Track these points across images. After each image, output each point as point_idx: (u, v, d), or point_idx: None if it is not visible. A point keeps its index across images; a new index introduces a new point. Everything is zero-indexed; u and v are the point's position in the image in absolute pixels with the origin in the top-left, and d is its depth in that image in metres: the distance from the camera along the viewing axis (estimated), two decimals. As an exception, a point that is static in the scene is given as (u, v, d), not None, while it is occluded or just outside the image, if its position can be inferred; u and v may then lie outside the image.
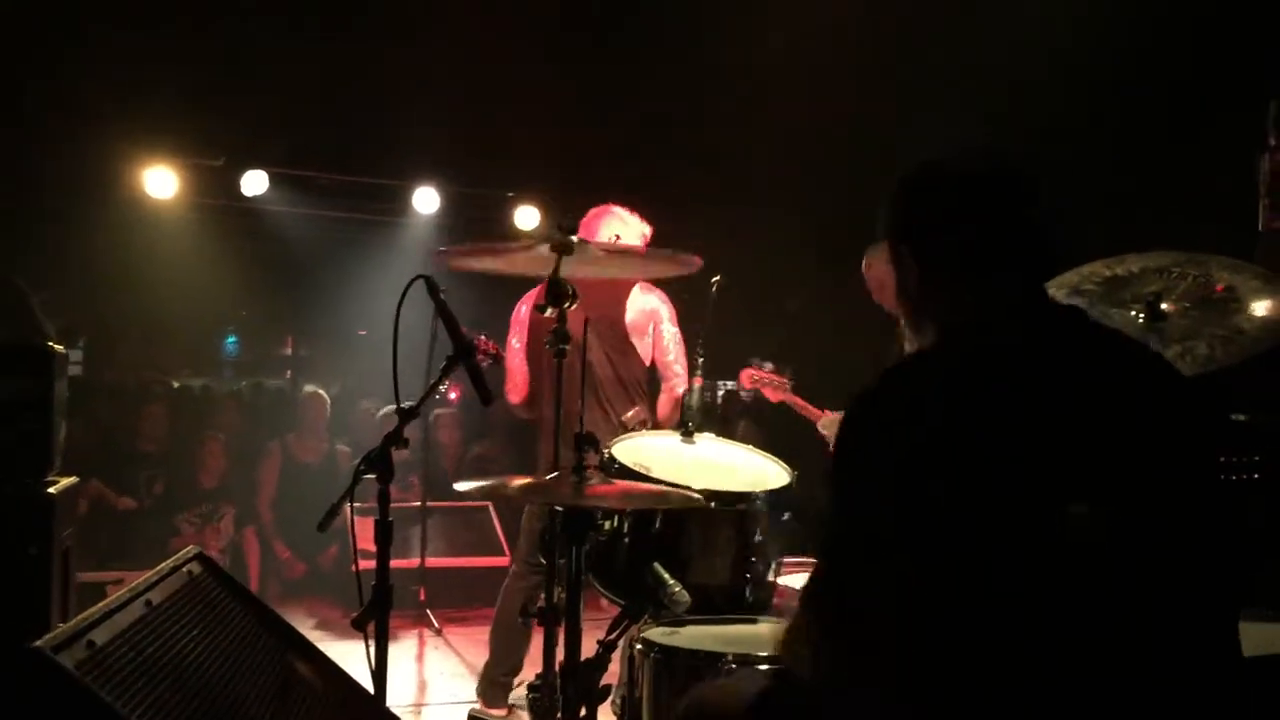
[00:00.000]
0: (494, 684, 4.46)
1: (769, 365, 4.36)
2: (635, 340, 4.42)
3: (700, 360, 4.04)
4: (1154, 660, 1.59)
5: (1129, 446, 1.64)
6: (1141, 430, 1.66)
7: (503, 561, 6.18)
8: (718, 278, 5.23)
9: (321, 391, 7.57)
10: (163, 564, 2.30)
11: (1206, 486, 1.70)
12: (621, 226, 4.48)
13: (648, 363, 4.49)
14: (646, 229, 4.56)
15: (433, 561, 6.44)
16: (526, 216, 8.58)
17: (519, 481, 2.88)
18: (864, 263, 4.09)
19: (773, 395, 4.63)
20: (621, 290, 4.43)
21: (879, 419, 1.69)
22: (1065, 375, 1.68)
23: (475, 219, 8.61)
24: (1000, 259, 1.76)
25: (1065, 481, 1.60)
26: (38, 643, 1.70)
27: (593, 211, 4.56)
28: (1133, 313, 2.84)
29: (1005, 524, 1.58)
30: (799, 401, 4.57)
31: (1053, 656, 1.57)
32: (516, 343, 4.55)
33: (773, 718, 1.88)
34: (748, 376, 4.68)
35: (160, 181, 7.63)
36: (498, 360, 5.24)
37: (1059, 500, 1.58)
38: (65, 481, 3.53)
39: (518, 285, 5.32)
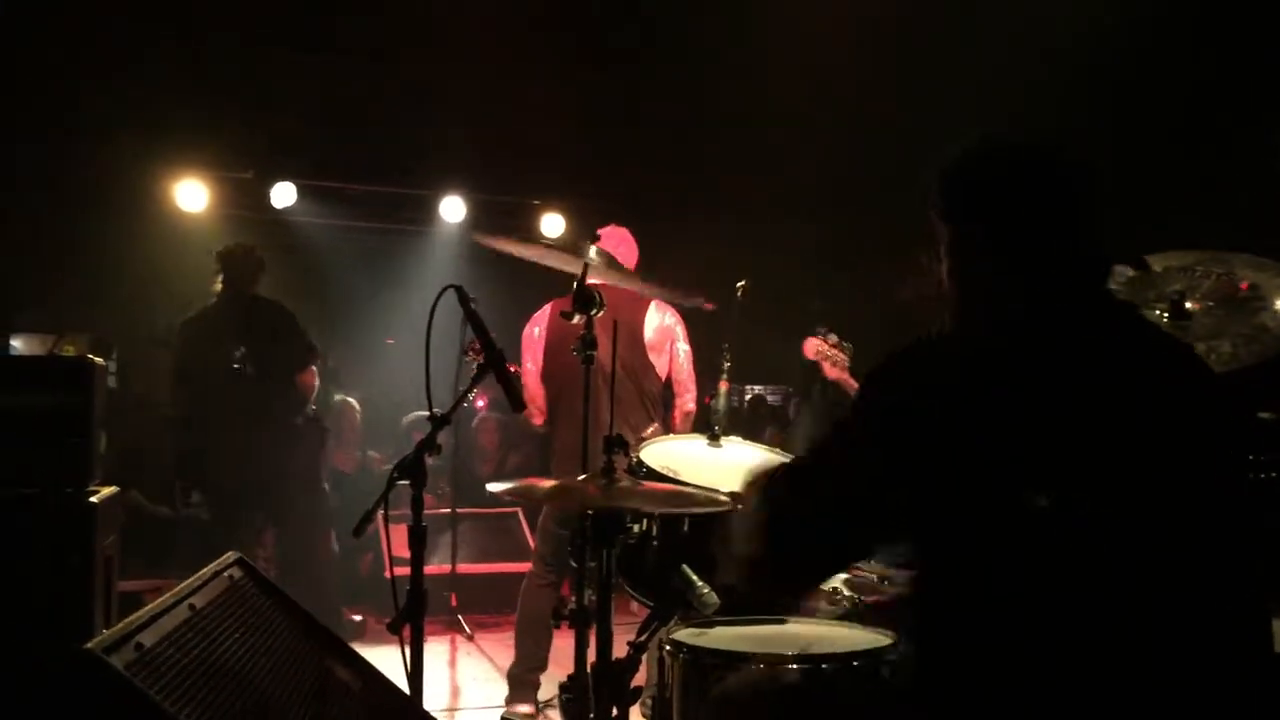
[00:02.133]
0: (521, 682, 4.57)
1: (834, 337, 4.23)
2: (653, 357, 4.51)
3: (726, 365, 4.08)
4: (1135, 656, 1.59)
5: (1130, 442, 1.64)
6: (1148, 428, 1.65)
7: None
8: (742, 283, 5.27)
9: (352, 400, 7.65)
10: (204, 569, 2.37)
11: (1213, 485, 1.68)
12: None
13: (664, 379, 4.58)
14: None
15: (464, 567, 6.50)
16: (552, 224, 8.64)
17: (548, 483, 2.93)
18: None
19: (830, 371, 4.52)
20: (639, 305, 4.53)
21: (885, 397, 1.74)
22: (1075, 368, 1.68)
23: (501, 227, 8.67)
24: (1035, 251, 1.73)
25: (1051, 473, 1.61)
26: (89, 645, 1.76)
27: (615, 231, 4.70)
28: (1157, 312, 2.85)
29: (983, 510, 1.62)
30: (851, 383, 4.43)
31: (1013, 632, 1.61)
32: (531, 365, 4.65)
33: (801, 715, 1.92)
34: (812, 347, 4.57)
35: (191, 194, 7.74)
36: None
37: (1041, 490, 1.60)
38: (106, 491, 3.60)
39: (534, 303, 5.43)
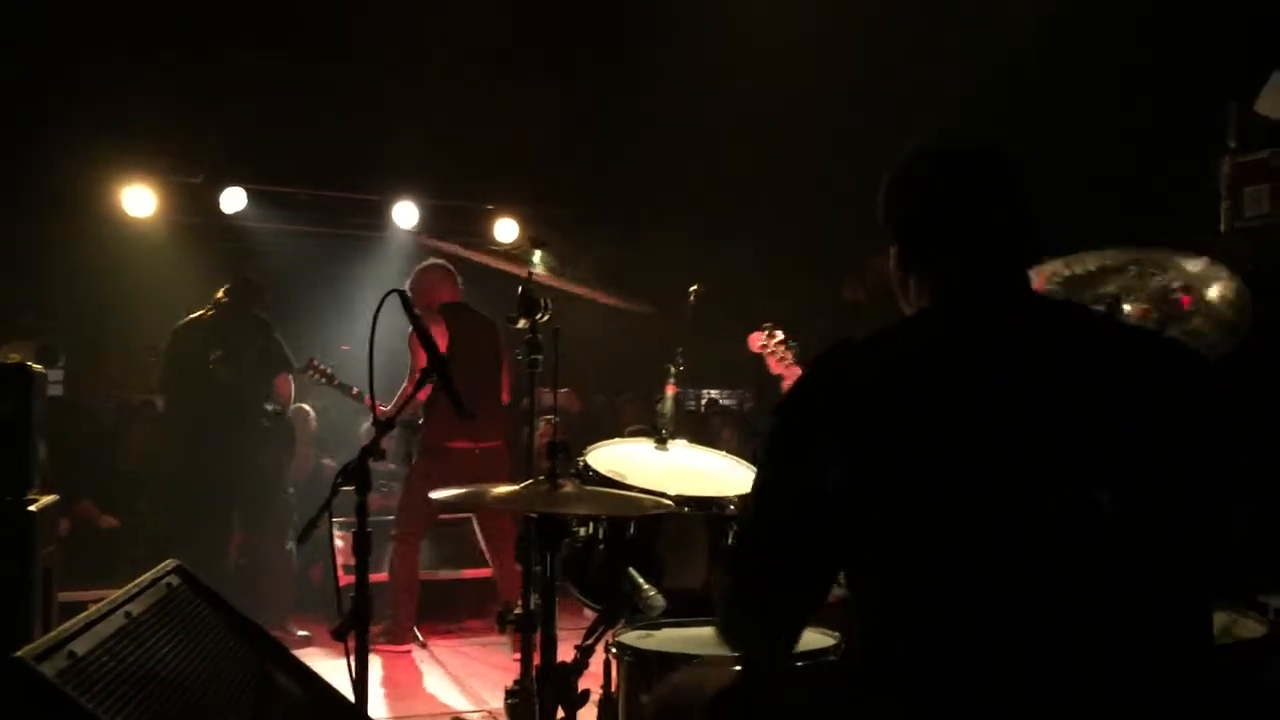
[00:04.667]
0: (402, 628, 5.71)
1: (780, 334, 4.26)
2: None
3: (679, 369, 4.10)
4: (1117, 649, 1.60)
5: (1112, 430, 1.63)
6: (1127, 415, 1.65)
7: (486, 573, 6.21)
8: (695, 287, 5.29)
9: (307, 406, 7.58)
10: (142, 577, 2.34)
11: (1193, 475, 1.67)
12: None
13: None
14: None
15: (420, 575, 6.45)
16: (506, 229, 8.62)
17: (496, 490, 2.92)
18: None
19: (775, 367, 4.57)
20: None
21: (820, 392, 1.72)
22: (1016, 357, 1.68)
23: (454, 232, 8.66)
24: (967, 245, 1.76)
25: (1006, 464, 1.61)
26: (19, 653, 1.74)
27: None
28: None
29: (946, 503, 1.61)
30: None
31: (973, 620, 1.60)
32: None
33: (738, 705, 1.93)
34: (756, 340, 4.63)
35: (139, 200, 7.64)
36: (329, 382, 6.18)
37: (1007, 480, 1.60)
38: (45, 500, 3.54)
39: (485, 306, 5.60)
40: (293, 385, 6.16)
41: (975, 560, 1.61)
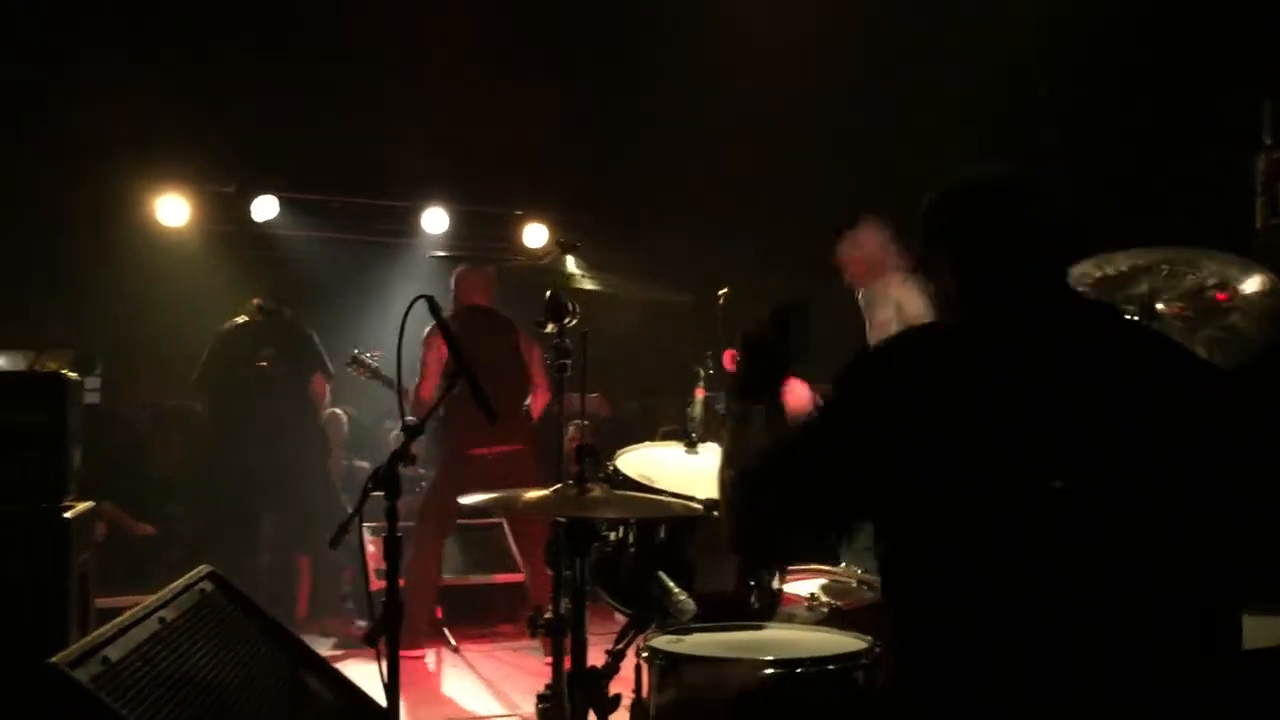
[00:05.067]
0: (416, 631, 5.63)
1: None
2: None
3: (709, 372, 4.10)
4: (1135, 652, 1.61)
5: (1128, 432, 1.66)
6: (1145, 418, 1.68)
7: (518, 578, 6.22)
8: (724, 291, 5.29)
9: (338, 411, 7.63)
10: (176, 582, 2.36)
11: (1208, 476, 1.71)
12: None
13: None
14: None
15: (448, 580, 6.48)
16: (535, 234, 8.64)
17: (529, 495, 2.92)
18: (850, 239, 4.26)
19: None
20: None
21: (871, 376, 1.79)
22: (1054, 362, 1.71)
23: (484, 238, 8.67)
24: (998, 267, 1.82)
25: (1034, 459, 1.64)
26: (53, 659, 1.76)
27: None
28: (1127, 315, 2.86)
29: (973, 500, 1.64)
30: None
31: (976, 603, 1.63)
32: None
33: (766, 706, 1.95)
34: (730, 358, 4.73)
35: (172, 209, 7.71)
36: (374, 376, 6.33)
37: (1029, 476, 1.63)
38: (81, 506, 3.58)
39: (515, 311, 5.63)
40: (329, 389, 6.57)
41: (975, 560, 1.64)
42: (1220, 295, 2.94)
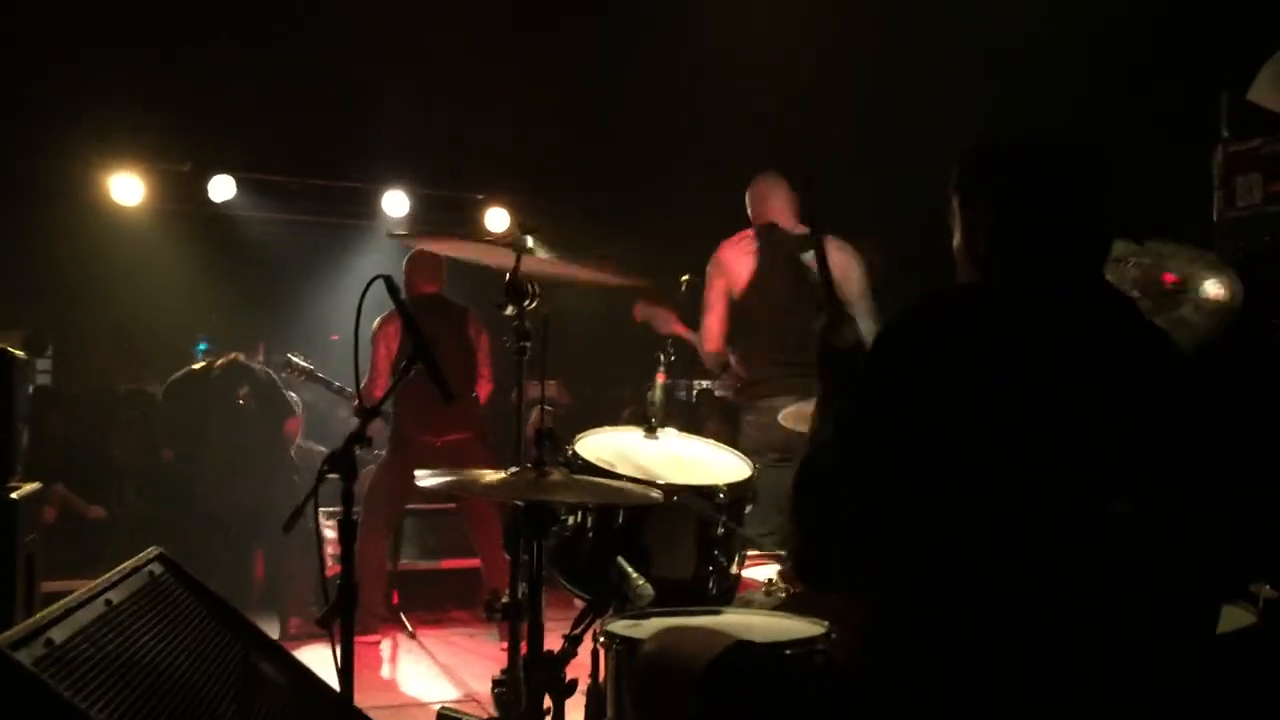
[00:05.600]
0: (371, 616, 5.67)
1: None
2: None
3: (670, 358, 4.07)
4: (1141, 643, 1.61)
5: (1128, 422, 1.66)
6: (1146, 408, 1.68)
7: (473, 563, 6.19)
8: (686, 276, 5.28)
9: (294, 395, 7.55)
10: (124, 564, 2.31)
11: (1202, 465, 1.71)
12: None
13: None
14: None
15: (405, 565, 6.44)
16: (496, 218, 8.59)
17: (488, 477, 2.90)
18: (761, 186, 4.36)
19: (663, 328, 4.80)
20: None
21: (899, 344, 1.74)
22: (1074, 347, 1.70)
23: (445, 221, 8.61)
24: (1047, 228, 1.79)
25: (1053, 447, 1.62)
26: (-7, 641, 1.72)
27: None
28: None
29: (980, 478, 1.61)
30: (686, 332, 4.75)
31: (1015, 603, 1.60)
32: (384, 351, 5.64)
33: (728, 675, 1.93)
34: (639, 312, 4.90)
35: (126, 188, 7.58)
36: (310, 378, 6.49)
37: (1041, 462, 1.61)
38: (28, 487, 3.51)
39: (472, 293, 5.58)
40: (300, 428, 6.81)
41: (974, 558, 1.61)
42: (1166, 276, 2.96)
